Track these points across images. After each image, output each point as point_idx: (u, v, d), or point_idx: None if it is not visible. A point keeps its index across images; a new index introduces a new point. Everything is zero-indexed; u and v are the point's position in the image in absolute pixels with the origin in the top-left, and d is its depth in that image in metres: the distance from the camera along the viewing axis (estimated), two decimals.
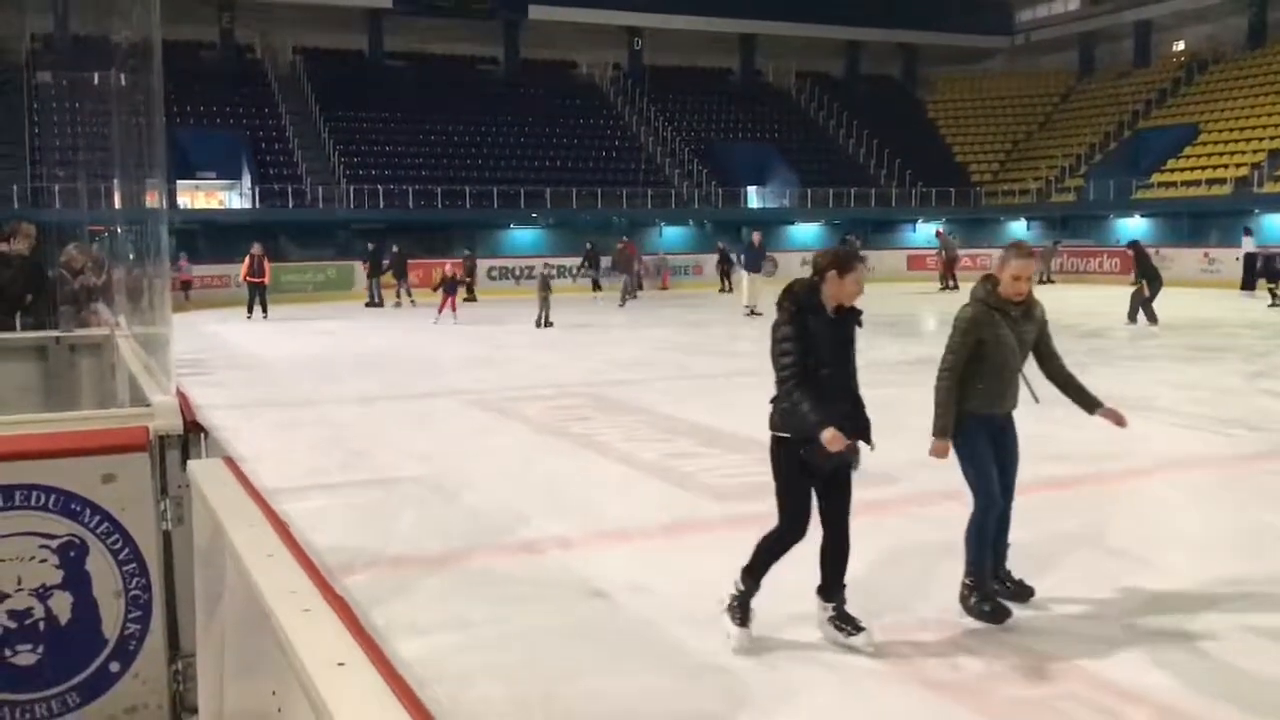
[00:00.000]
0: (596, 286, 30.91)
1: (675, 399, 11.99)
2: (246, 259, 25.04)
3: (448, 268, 24.47)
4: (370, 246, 28.93)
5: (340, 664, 1.41)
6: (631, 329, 21.47)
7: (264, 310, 24.67)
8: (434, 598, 5.53)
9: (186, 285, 28.11)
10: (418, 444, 9.74)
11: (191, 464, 3.21)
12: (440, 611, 5.33)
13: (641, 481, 8.09)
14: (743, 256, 25.12)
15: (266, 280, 25.10)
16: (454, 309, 22.35)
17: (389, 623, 5.08)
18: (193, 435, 3.60)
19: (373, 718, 1.25)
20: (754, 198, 42.07)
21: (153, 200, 5.06)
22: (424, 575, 5.88)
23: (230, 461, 3.03)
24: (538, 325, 20.38)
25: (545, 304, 20.87)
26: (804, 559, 4.93)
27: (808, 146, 44.42)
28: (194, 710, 3.22)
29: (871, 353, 16.98)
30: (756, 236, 24.82)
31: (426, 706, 1.34)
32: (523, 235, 37.89)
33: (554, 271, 25.80)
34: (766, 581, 4.96)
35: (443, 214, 35.07)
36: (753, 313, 21.87)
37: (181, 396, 4.03)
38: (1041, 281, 34.50)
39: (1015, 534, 6.53)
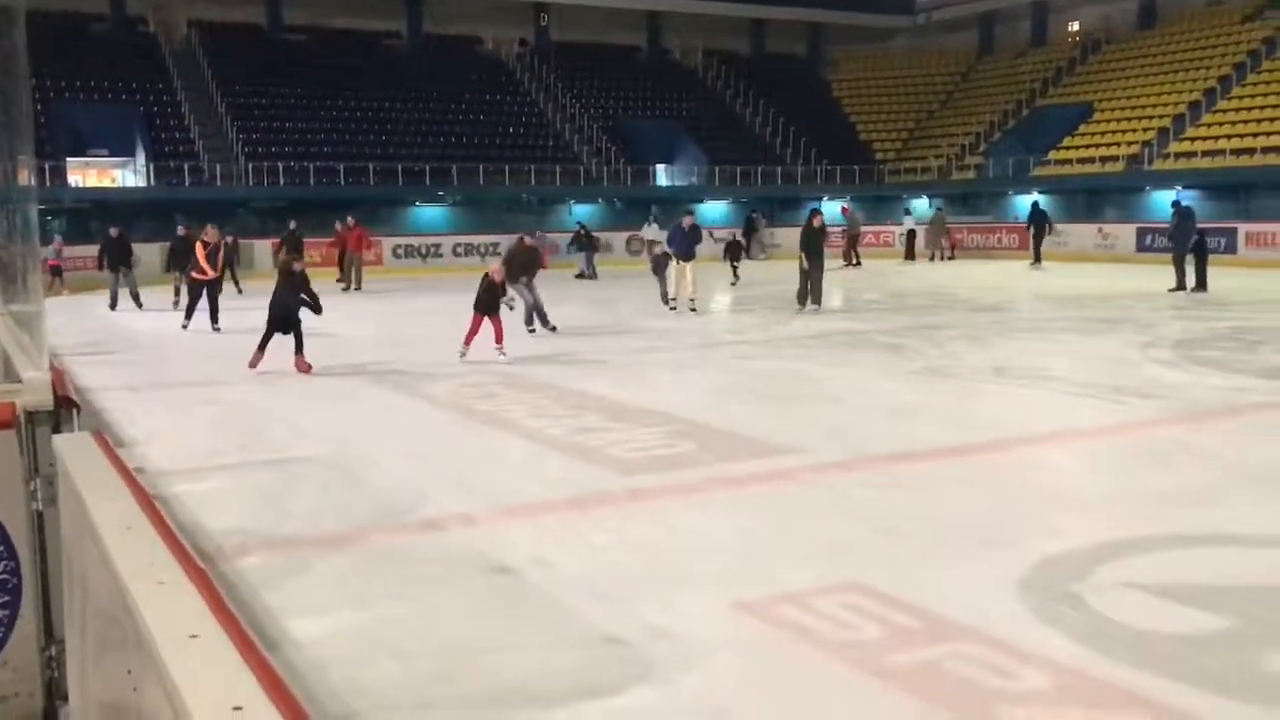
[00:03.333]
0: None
1: (584, 375, 11.93)
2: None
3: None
4: (292, 226, 27.14)
5: (193, 636, 1.33)
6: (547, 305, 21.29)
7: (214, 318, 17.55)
8: (332, 578, 5.41)
9: (56, 270, 24.28)
10: (319, 423, 9.54)
11: (57, 439, 3.05)
12: (338, 591, 5.21)
13: (547, 457, 8.03)
14: (671, 243, 19.99)
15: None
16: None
17: (284, 604, 4.96)
18: (65, 411, 3.43)
19: (222, 692, 1.17)
20: (663, 176, 42.06)
21: (23, 178, 4.83)
22: (322, 555, 5.75)
23: (100, 436, 2.90)
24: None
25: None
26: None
27: (715, 125, 44.53)
28: (67, 698, 3.08)
29: (775, 328, 17.12)
30: (689, 220, 20.24)
31: (283, 680, 1.26)
32: (429, 213, 37.38)
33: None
34: (670, 559, 4.94)
35: (346, 191, 34.37)
36: (689, 308, 18.76)
37: (56, 372, 3.85)
38: (933, 258, 35.18)
39: (913, 501, 6.64)
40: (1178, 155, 35.32)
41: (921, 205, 41.19)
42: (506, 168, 37.28)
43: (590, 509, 6.60)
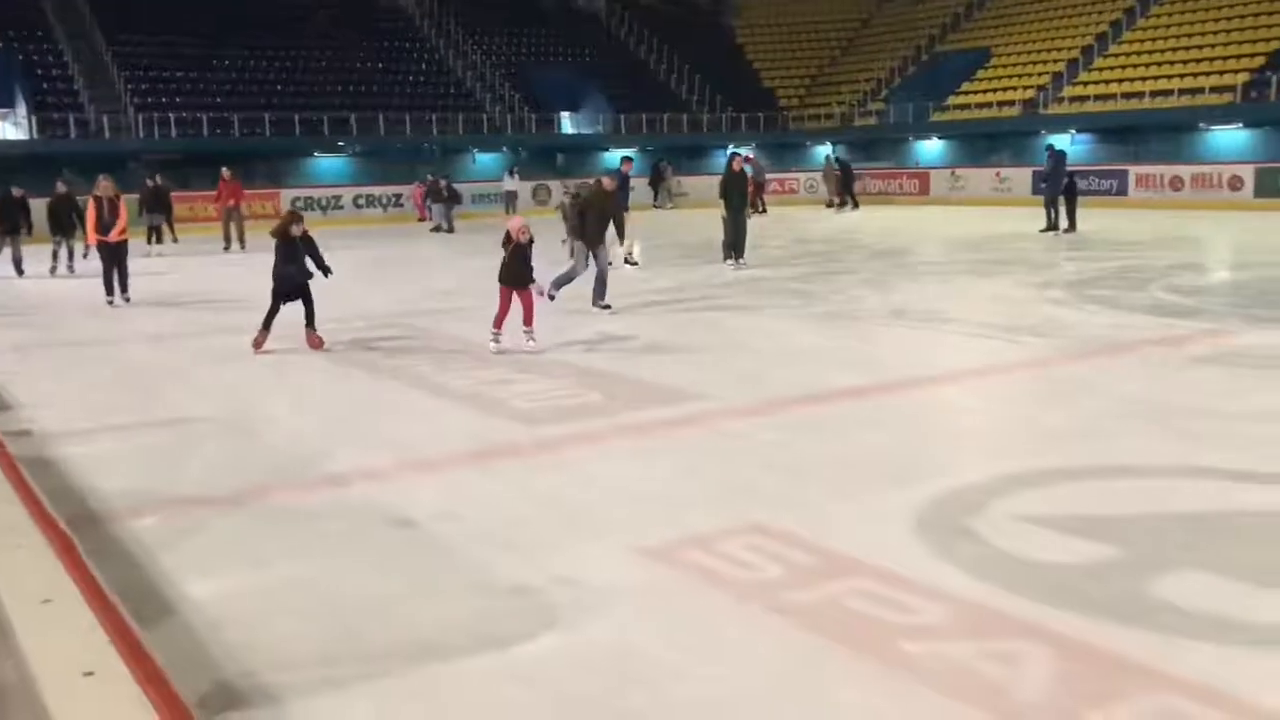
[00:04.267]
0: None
1: (490, 326, 11.80)
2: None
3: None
4: (153, 181, 25.68)
5: (46, 601, 1.27)
6: (449, 259, 21.04)
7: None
8: (229, 538, 5.30)
9: None
10: (215, 381, 9.30)
11: None
12: (236, 552, 5.10)
13: (452, 410, 7.95)
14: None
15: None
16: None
17: (179, 565, 4.84)
18: None
19: (72, 657, 1.12)
20: (568, 124, 41.65)
21: None
22: (219, 516, 5.61)
23: None
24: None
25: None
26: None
27: (621, 72, 44.16)
28: None
29: (685, 276, 17.10)
30: (627, 167, 18.70)
31: (141, 643, 1.21)
32: (329, 164, 36.52)
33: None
34: (576, 508, 4.92)
35: (241, 143, 33.38)
36: (626, 261, 17.63)
37: None
38: (830, 204, 35.46)
39: (817, 443, 6.73)
40: (1071, 99, 36.06)
41: (832, 150, 41.44)
42: (408, 117, 36.53)
43: (496, 461, 6.55)
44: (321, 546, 5.15)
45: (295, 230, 10.41)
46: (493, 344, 10.08)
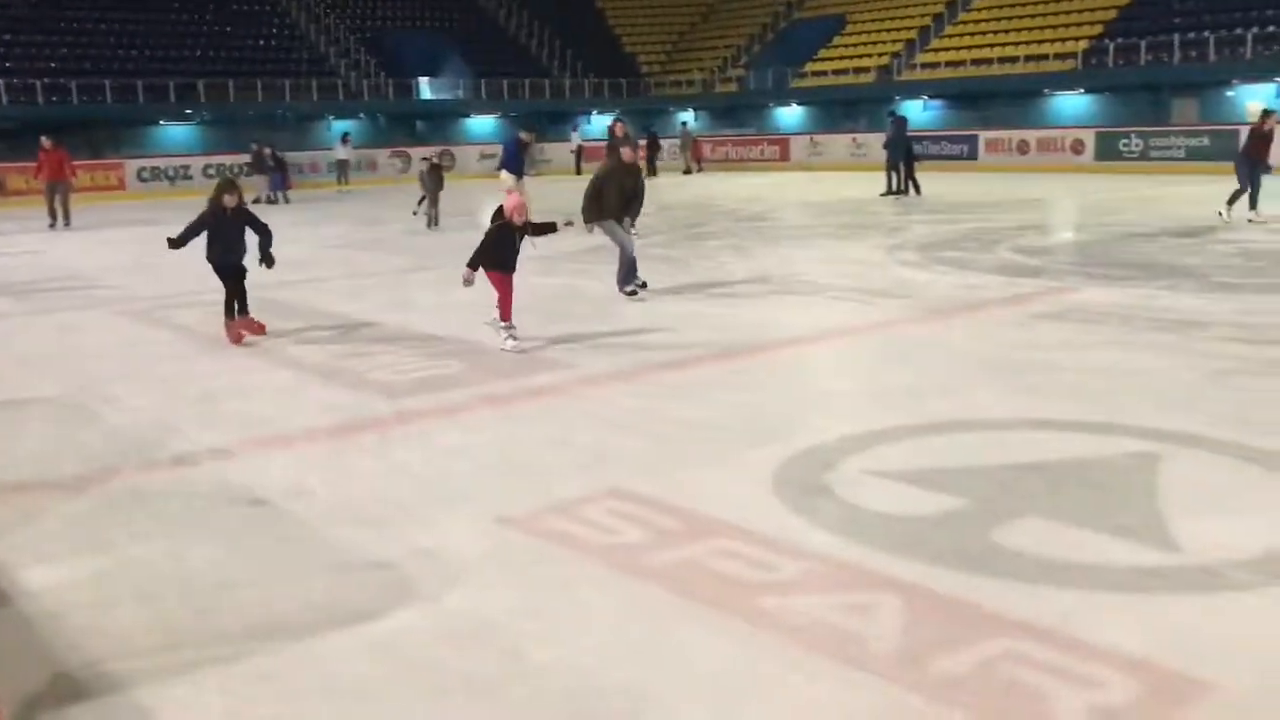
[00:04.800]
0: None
1: (348, 298, 11.55)
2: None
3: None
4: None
5: None
6: (301, 227, 20.46)
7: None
8: (69, 523, 5.06)
9: None
10: (54, 361, 8.86)
11: None
12: (77, 536, 4.88)
13: (308, 384, 7.74)
14: (507, 157, 18.12)
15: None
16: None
17: (14, 554, 4.61)
18: None
19: None
20: (426, 90, 40.89)
21: None
22: (58, 500, 5.36)
23: None
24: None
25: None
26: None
27: (481, 38, 43.52)
28: None
29: (552, 244, 16.97)
30: (526, 135, 18.38)
31: None
32: (176, 133, 35.11)
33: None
34: (435, 481, 4.83)
35: (80, 110, 31.80)
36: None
37: None
38: (688, 171, 35.78)
39: (679, 407, 6.79)
40: (923, 66, 37.00)
41: (689, 118, 41.69)
42: (259, 83, 35.33)
43: (353, 435, 6.41)
44: (169, 529, 4.96)
45: (229, 200, 9.05)
46: (510, 341, 8.50)
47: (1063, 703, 3.19)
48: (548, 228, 9.00)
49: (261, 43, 38.52)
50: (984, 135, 32.56)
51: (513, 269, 8.72)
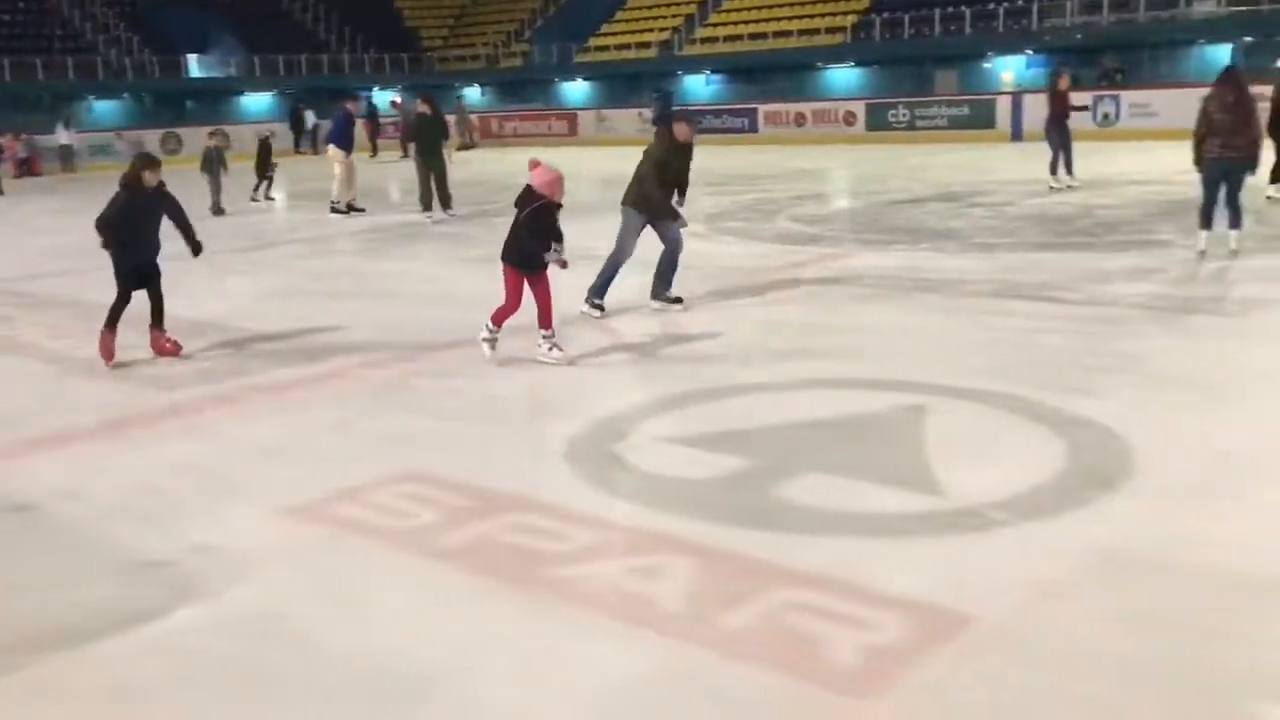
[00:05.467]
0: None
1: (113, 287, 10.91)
2: None
3: None
4: None
5: None
6: (68, 215, 19.19)
7: None
8: None
9: None
10: None
11: None
12: None
13: (74, 380, 7.32)
14: (336, 131, 17.22)
15: None
16: None
17: None
18: None
19: None
20: (195, 67, 38.94)
21: None
22: None
23: None
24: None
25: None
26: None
27: (253, 12, 41.70)
28: None
29: (332, 224, 16.48)
30: (352, 105, 17.65)
31: None
32: None
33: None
34: (216, 474, 4.65)
35: None
36: (350, 208, 16.87)
37: None
38: (466, 147, 35.45)
39: (471, 386, 6.75)
40: (703, 41, 37.73)
41: (474, 94, 41.24)
42: (6, 61, 32.83)
43: (125, 431, 6.10)
44: None
45: (150, 179, 7.32)
46: (487, 348, 7.11)
47: (839, 645, 3.38)
48: (555, 239, 7.20)
49: (8, 18, 35.77)
50: (763, 109, 33.49)
51: (544, 264, 7.06)
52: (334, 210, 16.95)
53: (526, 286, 7.10)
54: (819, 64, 35.02)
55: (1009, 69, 33.64)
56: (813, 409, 5.89)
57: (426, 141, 15.59)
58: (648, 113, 29.24)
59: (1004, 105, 28.85)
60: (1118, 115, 26.10)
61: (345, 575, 4.09)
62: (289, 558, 4.27)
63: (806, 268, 10.41)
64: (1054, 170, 15.95)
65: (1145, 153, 19.04)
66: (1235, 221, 9.95)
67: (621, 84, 38.71)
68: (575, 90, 40.72)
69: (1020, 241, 11.56)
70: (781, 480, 4.81)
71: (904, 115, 30.36)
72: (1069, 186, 15.69)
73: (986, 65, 33.67)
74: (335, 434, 5.85)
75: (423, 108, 16.06)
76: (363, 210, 17.08)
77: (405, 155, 30.78)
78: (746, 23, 36.86)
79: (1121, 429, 5.27)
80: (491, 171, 26.00)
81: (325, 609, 3.81)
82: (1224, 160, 9.71)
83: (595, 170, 24.89)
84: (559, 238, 7.09)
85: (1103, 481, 4.64)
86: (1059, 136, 15.98)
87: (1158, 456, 4.92)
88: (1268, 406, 5.68)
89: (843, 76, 35.39)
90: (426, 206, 15.61)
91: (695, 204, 16.72)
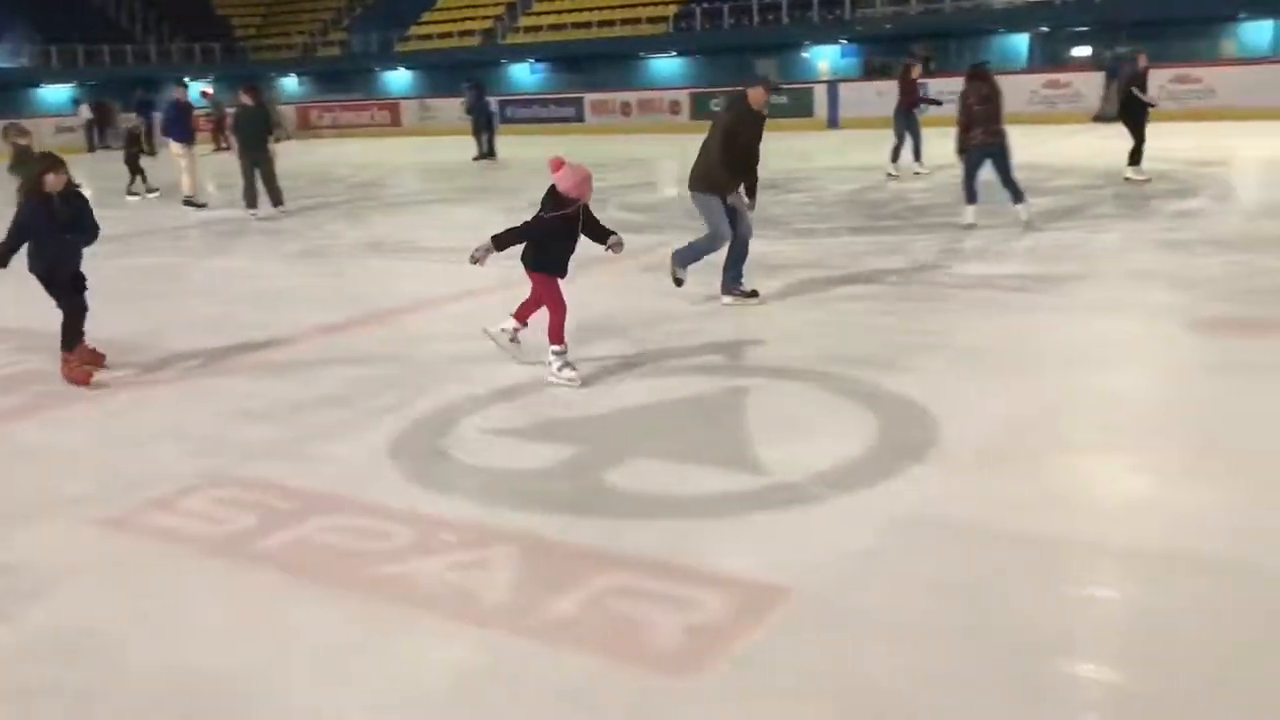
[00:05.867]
0: None
1: None
2: None
3: None
4: None
5: None
6: None
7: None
8: None
9: None
10: None
11: None
12: None
13: None
14: (169, 124, 16.82)
15: None
16: None
17: None
18: None
19: None
20: None
21: None
22: None
23: None
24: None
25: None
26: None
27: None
28: None
29: (147, 220, 15.77)
30: (180, 92, 16.99)
31: None
32: None
33: None
34: (18, 489, 4.39)
35: None
36: (191, 203, 16.35)
37: None
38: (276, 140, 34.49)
39: (288, 386, 6.57)
40: (527, 29, 37.57)
41: (290, 84, 40.01)
42: None
43: None
44: None
45: (53, 183, 6.53)
46: (568, 371, 6.20)
47: (662, 627, 3.43)
48: (604, 234, 6.58)
49: None
50: (589, 98, 33.60)
51: (565, 271, 6.47)
52: (188, 204, 16.34)
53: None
54: (642, 53, 35.33)
55: (825, 58, 34.67)
56: (642, 395, 5.95)
57: (249, 134, 14.84)
58: (463, 103, 28.96)
59: (821, 94, 29.72)
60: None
61: (156, 587, 3.92)
62: (96, 572, 4.07)
63: (634, 256, 10.48)
64: (895, 158, 16.23)
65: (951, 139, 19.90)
66: (1018, 197, 10.83)
67: (444, 73, 38.20)
68: (397, 79, 39.99)
69: (837, 226, 11.95)
70: (609, 467, 4.85)
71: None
72: (916, 174, 16.00)
73: (805, 55, 34.61)
74: (146, 440, 5.60)
75: (245, 98, 15.21)
76: (204, 205, 16.46)
77: (220, 148, 29.70)
78: (570, 11, 36.87)
79: (930, 402, 5.51)
80: (310, 164, 25.28)
81: (135, 624, 3.65)
82: (986, 146, 10.70)
83: (418, 161, 24.61)
84: (602, 236, 6.55)
85: (912, 453, 4.85)
86: (907, 124, 16.28)
87: (963, 427, 5.17)
88: (1064, 375, 6.03)
89: (666, 66, 35.82)
90: (251, 203, 14.89)
91: (523, 195, 16.64)
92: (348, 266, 11.06)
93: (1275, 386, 5.69)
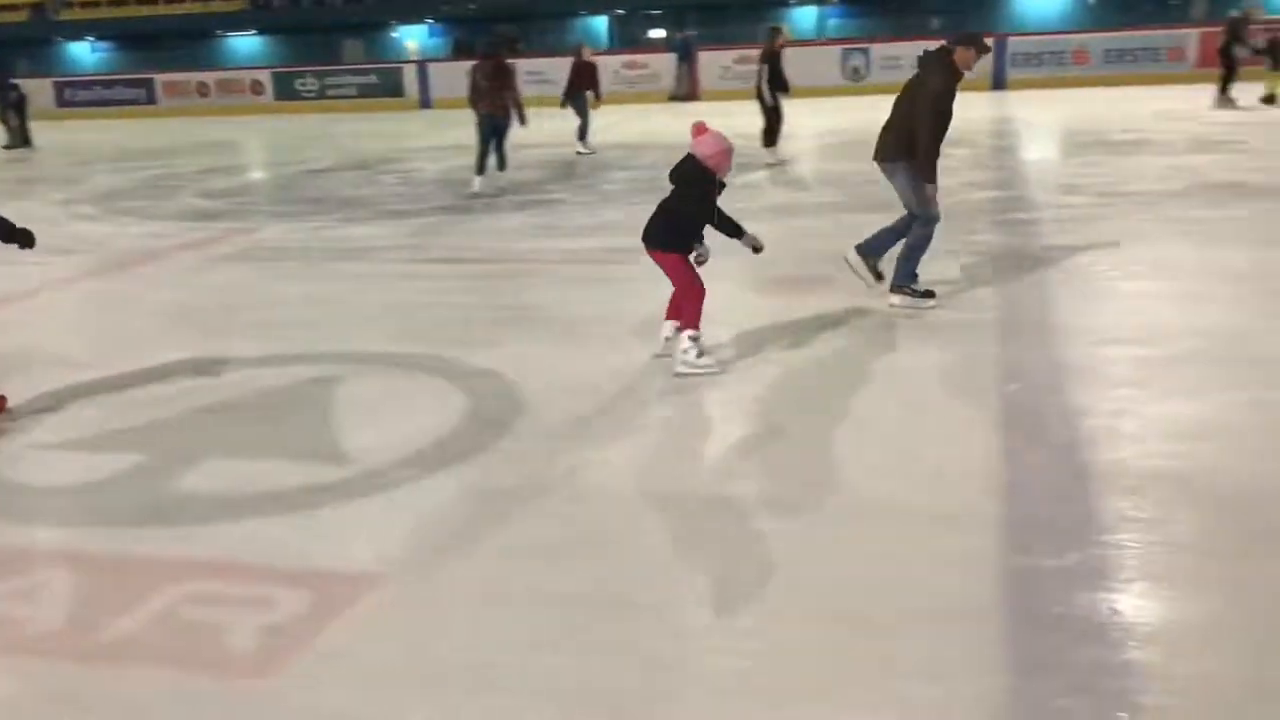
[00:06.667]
0: None
1: None
2: None
3: None
4: None
5: None
6: None
7: None
8: None
9: None
10: None
11: None
12: None
13: None
14: None
15: None
16: None
17: None
18: None
19: None
20: None
21: None
22: None
23: None
24: None
25: None
26: None
27: None
28: None
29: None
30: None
31: None
32: None
33: None
34: None
35: None
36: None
37: None
38: None
39: None
40: (84, 5, 34.41)
41: None
42: None
43: None
44: None
45: None
46: (709, 360, 5.65)
47: (239, 630, 3.27)
48: (735, 229, 5.72)
49: None
50: (161, 78, 31.28)
51: (688, 248, 5.70)
52: None
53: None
54: (219, 31, 33.37)
55: (413, 38, 34.38)
56: (221, 391, 5.63)
57: None
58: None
59: (411, 74, 29.44)
60: None
61: None
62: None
63: (213, 245, 9.92)
64: (582, 136, 16.24)
65: (540, 119, 20.41)
66: (501, 164, 12.50)
67: None
68: None
69: (428, 206, 11.90)
70: (181, 471, 4.55)
71: (313, 84, 29.88)
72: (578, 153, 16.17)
73: (394, 34, 34.14)
74: None
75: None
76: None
77: None
78: None
79: (515, 375, 5.63)
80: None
81: None
82: (493, 117, 12.11)
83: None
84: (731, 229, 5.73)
85: (499, 425, 4.93)
86: (578, 104, 16.32)
87: (545, 396, 5.31)
88: (641, 343, 6.33)
89: (247, 45, 34.07)
90: None
91: (86, 183, 15.24)
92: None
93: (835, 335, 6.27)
